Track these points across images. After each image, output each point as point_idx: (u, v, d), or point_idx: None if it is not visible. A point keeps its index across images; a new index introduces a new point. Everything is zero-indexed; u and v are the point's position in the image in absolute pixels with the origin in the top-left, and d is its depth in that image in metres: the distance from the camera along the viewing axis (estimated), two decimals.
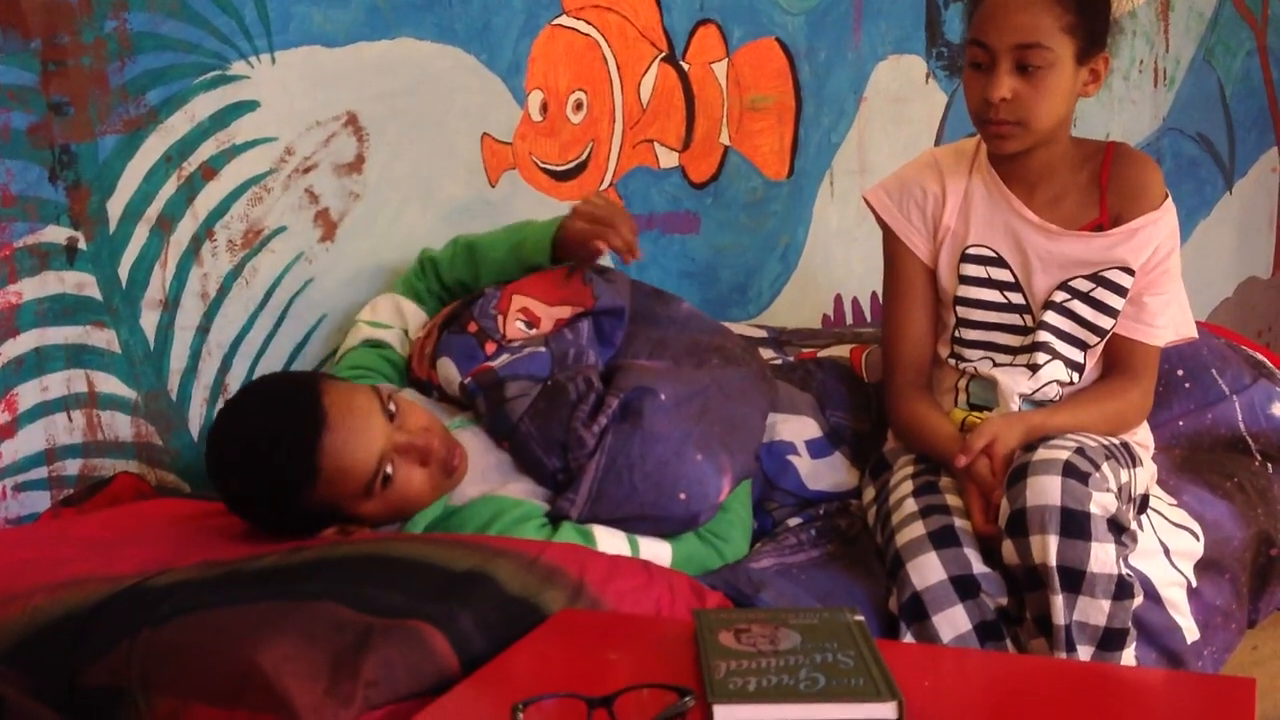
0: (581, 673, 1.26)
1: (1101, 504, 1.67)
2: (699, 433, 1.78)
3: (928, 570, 1.69)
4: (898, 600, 1.71)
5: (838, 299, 2.99)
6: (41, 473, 1.76)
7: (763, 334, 2.33)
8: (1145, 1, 3.66)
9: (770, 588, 1.66)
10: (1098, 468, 1.71)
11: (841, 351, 2.20)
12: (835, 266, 2.97)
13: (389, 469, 1.60)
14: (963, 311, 1.96)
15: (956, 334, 1.97)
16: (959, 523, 1.75)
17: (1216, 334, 2.36)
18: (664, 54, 2.55)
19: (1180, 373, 2.22)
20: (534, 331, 1.91)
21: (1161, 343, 1.97)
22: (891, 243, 2.02)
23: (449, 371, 1.85)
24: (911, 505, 1.79)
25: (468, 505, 1.70)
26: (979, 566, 1.71)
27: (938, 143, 3.14)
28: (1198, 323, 2.09)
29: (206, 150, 1.88)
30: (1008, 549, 1.70)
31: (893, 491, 1.86)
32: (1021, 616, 1.72)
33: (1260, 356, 2.32)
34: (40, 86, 1.70)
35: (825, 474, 1.99)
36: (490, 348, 1.86)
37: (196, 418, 1.91)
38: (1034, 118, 1.85)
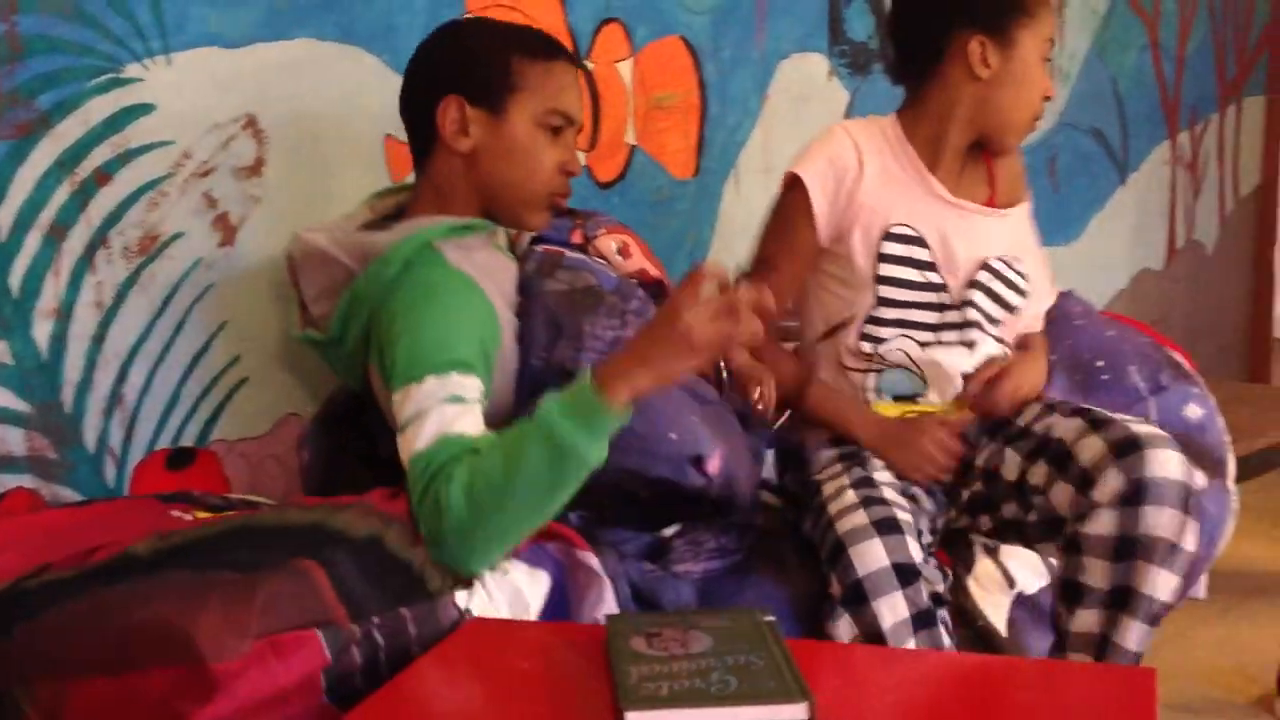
0: (492, 682, 1.26)
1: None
2: (701, 411, 1.77)
3: (870, 556, 1.71)
4: (839, 585, 1.72)
5: None
6: None
7: None
8: None
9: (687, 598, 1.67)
10: None
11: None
12: (741, 265, 2.98)
13: (558, 121, 1.76)
14: (884, 291, 2.00)
15: (873, 314, 2.00)
16: (900, 515, 1.77)
17: (1143, 332, 2.37)
18: None
19: (1100, 364, 2.24)
20: (618, 261, 1.99)
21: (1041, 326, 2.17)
22: (797, 212, 2.04)
23: None
24: (851, 496, 1.81)
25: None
26: (918, 555, 1.73)
27: None
28: (1121, 318, 2.19)
29: (100, 155, 1.83)
30: (1109, 518, 1.75)
31: (825, 484, 1.88)
32: (953, 601, 1.77)
33: (1178, 357, 2.33)
34: None
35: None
36: (577, 237, 1.95)
37: (92, 430, 1.86)
38: None
